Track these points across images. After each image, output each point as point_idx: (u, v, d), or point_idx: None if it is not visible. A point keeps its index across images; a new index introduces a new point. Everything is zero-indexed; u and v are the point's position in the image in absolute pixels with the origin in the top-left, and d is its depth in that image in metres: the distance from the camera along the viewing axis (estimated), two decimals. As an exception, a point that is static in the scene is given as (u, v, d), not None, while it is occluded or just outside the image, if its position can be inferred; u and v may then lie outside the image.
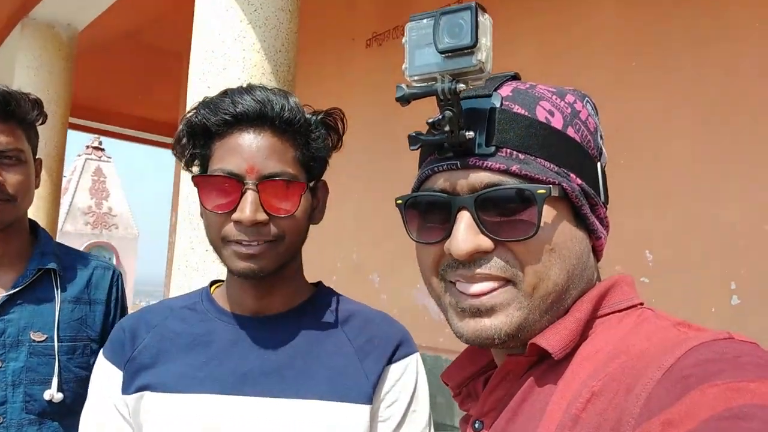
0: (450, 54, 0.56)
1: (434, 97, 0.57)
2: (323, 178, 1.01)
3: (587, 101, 0.65)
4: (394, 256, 4.28)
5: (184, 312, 0.98)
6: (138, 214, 16.70)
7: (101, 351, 0.99)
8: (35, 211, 4.39)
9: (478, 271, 0.58)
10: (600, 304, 0.60)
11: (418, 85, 0.58)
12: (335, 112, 0.97)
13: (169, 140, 1.03)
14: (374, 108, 4.36)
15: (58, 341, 1.26)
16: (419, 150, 0.65)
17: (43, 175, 4.49)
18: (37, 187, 1.32)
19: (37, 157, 1.33)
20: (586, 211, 0.61)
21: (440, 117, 0.56)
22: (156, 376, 0.91)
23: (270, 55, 2.27)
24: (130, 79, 7.08)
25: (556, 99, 0.62)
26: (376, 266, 4.79)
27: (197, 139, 0.90)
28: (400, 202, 0.64)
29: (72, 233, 14.75)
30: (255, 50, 2.24)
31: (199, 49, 2.29)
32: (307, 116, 0.92)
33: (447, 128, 0.56)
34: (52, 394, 1.23)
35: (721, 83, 2.93)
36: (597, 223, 0.63)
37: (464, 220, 0.57)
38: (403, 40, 0.59)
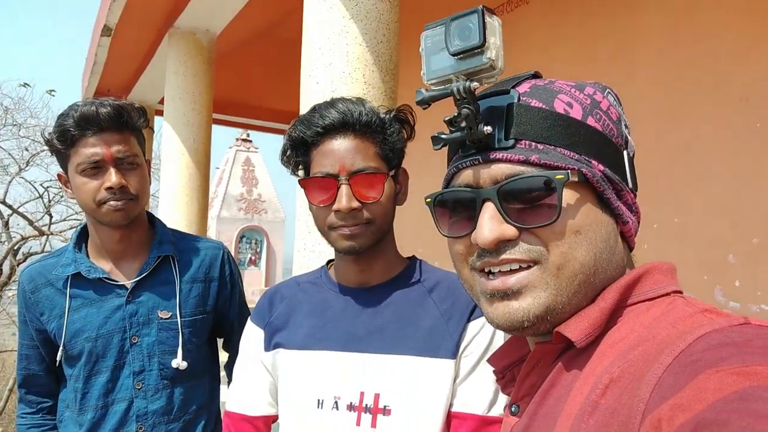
0: (462, 55, 0.59)
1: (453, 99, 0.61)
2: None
3: (608, 92, 0.65)
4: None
5: (307, 286, 1.20)
6: (285, 199, 17.86)
7: (249, 317, 1.23)
8: (188, 201, 4.92)
9: (504, 256, 0.60)
10: (629, 292, 0.61)
11: (436, 88, 0.62)
12: (405, 108, 1.13)
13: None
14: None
15: (180, 317, 1.47)
16: (447, 150, 0.69)
17: (193, 167, 5.00)
18: (149, 184, 1.51)
19: (147, 158, 1.51)
20: (609, 195, 0.61)
21: (457, 114, 0.60)
22: (287, 336, 1.14)
23: (371, 47, 2.37)
24: (270, 74, 7.55)
25: (574, 92, 0.63)
26: (439, 258, 4.74)
27: (298, 150, 1.10)
28: (429, 200, 0.67)
29: (228, 218, 16.15)
30: (357, 43, 2.35)
31: (307, 47, 2.44)
32: (381, 116, 1.09)
33: (464, 124, 0.60)
34: (178, 362, 1.45)
35: None
36: (623, 207, 0.63)
37: (488, 210, 0.60)
38: (420, 49, 0.63)
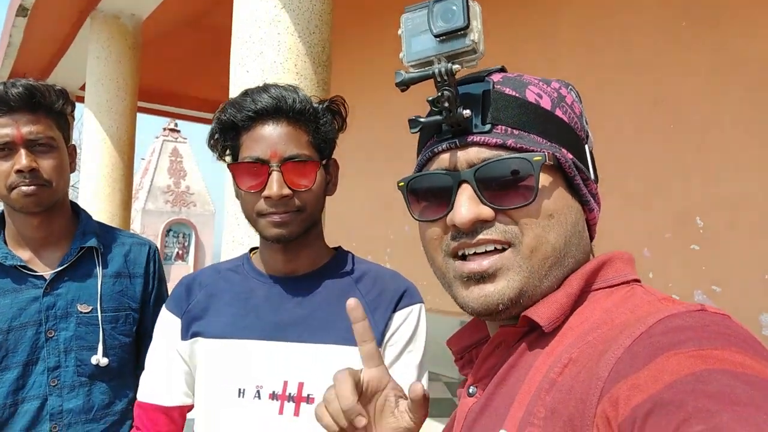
0: (444, 37, 0.59)
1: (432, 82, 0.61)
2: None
3: (571, 89, 0.68)
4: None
5: (229, 274, 1.17)
6: (214, 191, 17.42)
7: (164, 304, 1.18)
8: (111, 192, 4.72)
9: (480, 237, 0.61)
10: (593, 279, 0.63)
11: (416, 70, 0.62)
12: (337, 99, 1.12)
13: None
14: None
15: (101, 312, 1.40)
16: (419, 137, 0.70)
17: (116, 157, 4.81)
18: (72, 171, 1.44)
19: (70, 143, 1.44)
20: (579, 181, 0.64)
21: (439, 95, 0.60)
22: (206, 325, 1.11)
23: (303, 37, 2.35)
24: (199, 61, 7.34)
25: (542, 85, 0.65)
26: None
27: (227, 134, 1.07)
28: (402, 184, 0.67)
29: (153, 211, 15.60)
30: (289, 33, 2.32)
31: (237, 35, 2.39)
32: (315, 105, 1.07)
33: (446, 105, 0.60)
34: (98, 359, 1.38)
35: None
36: (589, 195, 0.65)
37: (465, 192, 0.61)
38: (399, 31, 0.63)
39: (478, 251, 0.61)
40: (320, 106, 1.09)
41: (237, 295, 1.12)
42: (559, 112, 0.64)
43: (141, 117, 6.00)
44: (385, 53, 5.51)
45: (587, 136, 0.68)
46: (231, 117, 1.05)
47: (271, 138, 1.03)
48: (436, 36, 0.60)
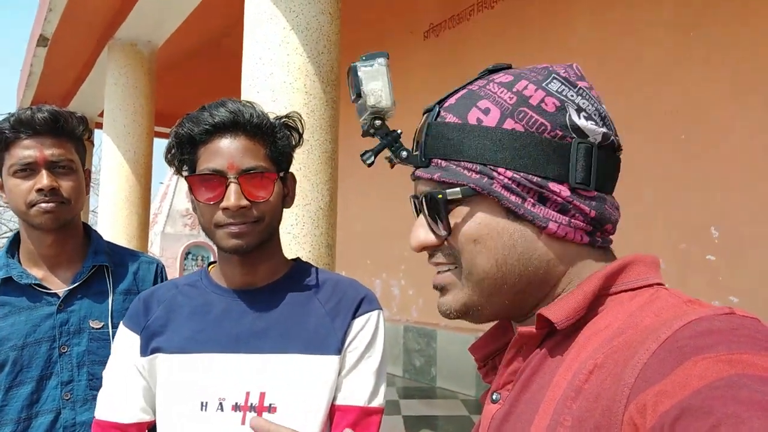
0: (359, 101, 0.67)
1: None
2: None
3: (553, 78, 0.61)
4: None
5: (187, 288, 1.17)
6: (231, 214, 17.57)
7: (122, 321, 1.18)
8: (128, 215, 4.80)
9: (432, 260, 0.68)
10: (612, 281, 0.61)
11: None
12: (293, 115, 1.15)
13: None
14: (434, 98, 4.44)
15: (112, 327, 1.44)
16: None
17: (133, 181, 4.88)
18: (87, 194, 1.50)
19: (86, 167, 1.51)
20: (508, 204, 0.60)
21: (369, 151, 0.68)
22: (165, 340, 1.11)
23: (312, 57, 2.39)
24: (214, 85, 7.49)
25: (502, 92, 0.61)
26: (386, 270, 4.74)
27: (184, 147, 1.08)
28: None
29: (172, 235, 15.77)
30: (298, 54, 2.37)
31: (248, 57, 2.45)
32: (272, 121, 1.10)
33: (371, 160, 0.68)
34: None
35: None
36: (543, 210, 0.60)
37: (419, 219, 0.66)
38: None
39: (438, 269, 0.67)
40: (277, 121, 1.12)
41: (196, 309, 1.12)
42: (509, 123, 0.60)
43: (159, 141, 6.10)
44: (395, 74, 5.57)
45: (576, 131, 0.60)
46: (188, 131, 1.06)
47: (228, 150, 1.04)
48: (353, 102, 0.67)
